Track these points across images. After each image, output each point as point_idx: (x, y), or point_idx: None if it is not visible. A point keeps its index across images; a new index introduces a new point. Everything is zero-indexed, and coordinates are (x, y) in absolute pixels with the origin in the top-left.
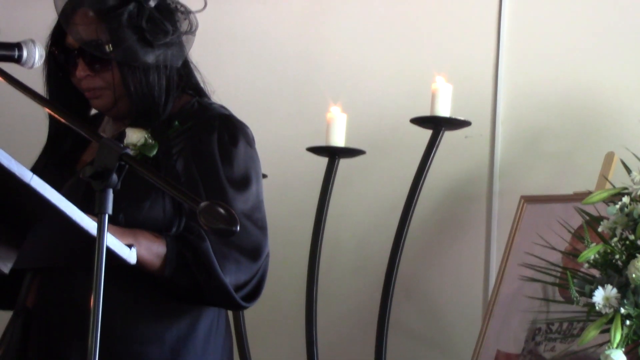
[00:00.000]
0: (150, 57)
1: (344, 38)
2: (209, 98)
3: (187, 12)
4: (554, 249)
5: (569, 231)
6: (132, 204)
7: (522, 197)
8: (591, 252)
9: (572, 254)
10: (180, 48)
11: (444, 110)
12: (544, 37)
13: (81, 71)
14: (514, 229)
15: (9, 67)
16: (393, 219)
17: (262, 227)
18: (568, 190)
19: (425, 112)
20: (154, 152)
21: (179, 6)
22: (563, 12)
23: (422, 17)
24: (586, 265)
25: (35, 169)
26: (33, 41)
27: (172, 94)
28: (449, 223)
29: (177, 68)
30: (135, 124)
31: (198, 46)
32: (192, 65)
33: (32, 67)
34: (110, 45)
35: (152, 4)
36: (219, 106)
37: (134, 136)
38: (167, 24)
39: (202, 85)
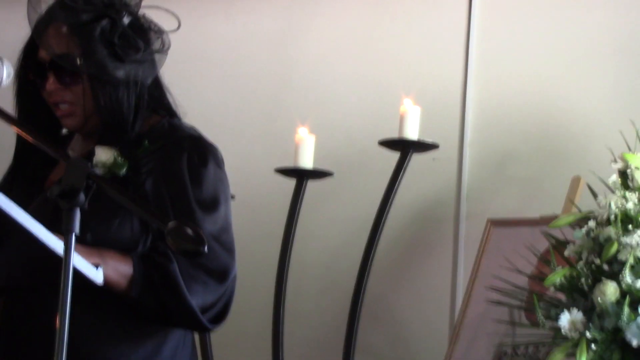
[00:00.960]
0: (120, 72)
1: (312, 59)
2: (179, 119)
3: (160, 32)
4: (520, 272)
5: (535, 255)
6: (100, 223)
7: (489, 220)
8: (557, 276)
9: (539, 277)
10: (152, 66)
11: (412, 132)
12: (511, 60)
13: (51, 84)
14: (480, 252)
15: None
16: (361, 241)
17: (229, 250)
18: (535, 213)
19: (394, 135)
20: (123, 171)
21: (152, 25)
22: (530, 37)
23: (390, 39)
24: (552, 289)
25: (1, 187)
26: (1, 59)
27: (141, 112)
28: (417, 245)
29: (148, 88)
30: (104, 142)
31: (168, 66)
32: (164, 87)
33: None
34: (81, 58)
35: (125, 21)
36: (189, 127)
37: (103, 154)
38: (140, 41)
39: (173, 106)
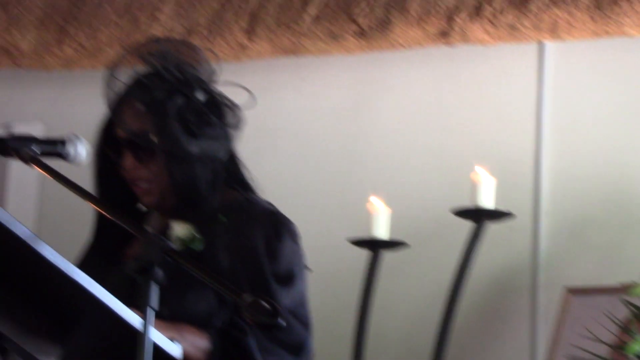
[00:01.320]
0: (195, 148)
1: (383, 130)
2: (255, 193)
3: (234, 107)
4: (601, 341)
5: (616, 323)
6: (176, 298)
7: (566, 288)
8: (639, 344)
9: (620, 346)
10: (226, 141)
11: (486, 201)
12: (584, 126)
13: (129, 162)
14: (559, 321)
15: (55, 163)
16: (437, 311)
17: (306, 324)
18: (613, 281)
19: (467, 204)
20: (200, 247)
21: (226, 100)
22: (605, 102)
23: (461, 109)
24: (634, 357)
25: (80, 264)
26: (78, 137)
27: (217, 187)
28: (493, 316)
29: (224, 163)
30: (181, 218)
31: (241, 139)
32: (239, 161)
33: (77, 162)
34: (156, 135)
35: (199, 97)
36: (264, 202)
37: (180, 230)
38: (213, 117)
39: (248, 180)
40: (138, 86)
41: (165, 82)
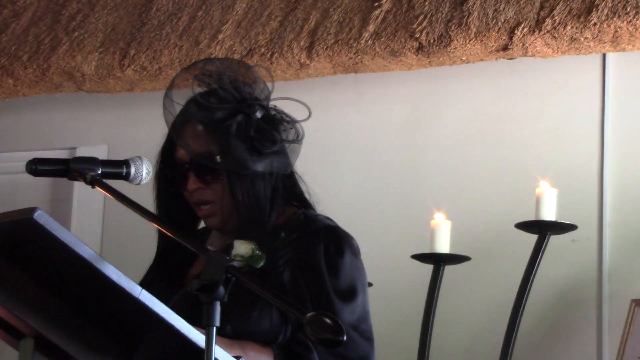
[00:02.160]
0: (260, 166)
1: (445, 144)
2: (314, 209)
3: (292, 122)
4: None
5: None
6: (239, 316)
7: (632, 300)
8: None
9: None
10: (287, 157)
11: (549, 214)
12: None
13: (192, 184)
14: (625, 334)
15: (119, 184)
16: (501, 326)
17: (368, 339)
18: None
19: (530, 217)
20: (261, 264)
21: (284, 116)
22: None
23: (522, 122)
24: None
25: (143, 283)
26: (140, 158)
27: (277, 203)
28: (559, 328)
29: (282, 179)
30: (242, 237)
31: (301, 156)
32: (297, 176)
33: (139, 183)
34: (221, 156)
35: (258, 115)
36: (324, 217)
37: (241, 248)
38: (275, 132)
39: (306, 196)
40: (198, 107)
41: (224, 101)
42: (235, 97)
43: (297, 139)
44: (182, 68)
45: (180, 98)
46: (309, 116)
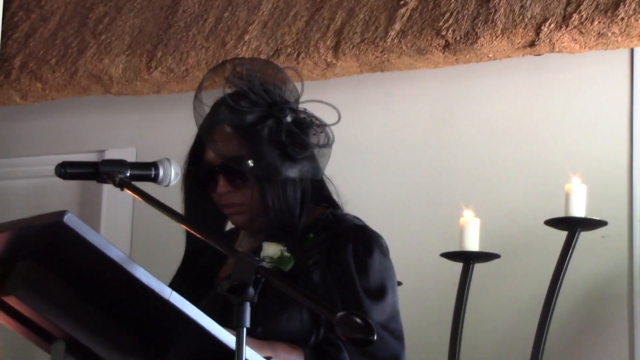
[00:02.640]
0: (292, 171)
1: (473, 142)
2: (342, 209)
3: (322, 125)
4: None
5: None
6: (270, 317)
7: None
8: None
9: None
10: (316, 161)
11: (578, 210)
12: None
13: (222, 187)
14: None
15: (147, 186)
16: (531, 323)
17: (399, 337)
18: None
19: (559, 213)
20: (290, 266)
21: (314, 119)
22: None
23: (550, 118)
24: None
25: (173, 285)
26: (169, 160)
27: (306, 206)
28: (590, 325)
29: (311, 181)
30: (271, 238)
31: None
32: (325, 178)
33: (168, 185)
34: (252, 161)
35: (289, 118)
36: (352, 217)
37: (270, 250)
38: (306, 137)
39: (334, 196)
40: (229, 110)
41: (255, 105)
42: (266, 100)
43: (328, 143)
44: (210, 68)
45: (210, 99)
46: (339, 120)
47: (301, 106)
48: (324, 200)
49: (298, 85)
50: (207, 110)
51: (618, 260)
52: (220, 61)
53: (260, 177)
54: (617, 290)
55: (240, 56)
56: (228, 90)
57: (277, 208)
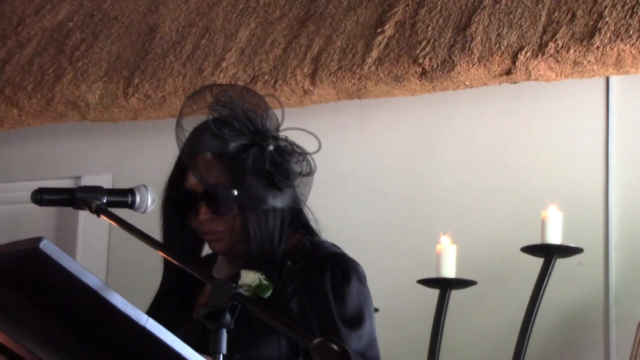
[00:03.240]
0: (277, 201)
1: (450, 169)
2: (319, 236)
3: (304, 153)
4: None
5: None
6: (248, 344)
7: (639, 322)
8: None
9: None
10: (301, 189)
11: (555, 237)
12: None
13: (204, 215)
14: (633, 356)
15: (124, 213)
16: (508, 350)
17: None
18: None
19: (536, 240)
20: (268, 294)
21: (295, 147)
22: None
23: (527, 146)
24: None
25: (150, 312)
26: (145, 186)
27: (285, 234)
28: (566, 352)
29: (290, 209)
30: (249, 264)
31: None
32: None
33: (144, 212)
34: (237, 190)
35: (271, 147)
36: (330, 244)
37: (248, 277)
38: (289, 166)
39: (312, 223)
40: (212, 137)
41: (239, 133)
42: (249, 128)
43: (310, 172)
44: (189, 95)
45: (191, 126)
46: (320, 148)
47: (282, 135)
48: (302, 227)
49: (278, 113)
50: (190, 138)
51: (594, 287)
52: (197, 88)
53: (243, 206)
54: (593, 317)
55: (219, 82)
56: (211, 117)
57: (259, 237)
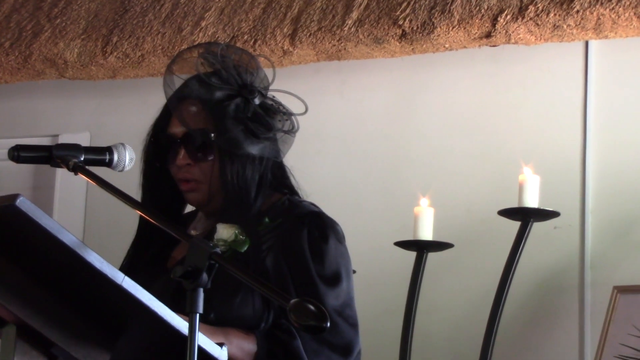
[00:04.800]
0: (254, 149)
1: (428, 131)
2: (299, 196)
3: (289, 114)
4: None
5: None
6: (222, 302)
7: (614, 287)
8: None
9: None
10: (280, 145)
11: (532, 201)
12: (630, 124)
13: (182, 159)
14: (607, 320)
15: (101, 171)
16: (484, 312)
17: (353, 324)
18: None
19: (513, 204)
20: (245, 248)
21: (281, 107)
22: None
23: (506, 109)
24: None
25: (126, 270)
26: (123, 145)
27: (263, 189)
28: (541, 316)
29: (271, 167)
30: (225, 219)
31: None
32: (286, 168)
33: (122, 170)
34: (216, 134)
35: (257, 101)
36: (309, 203)
37: (225, 232)
38: (270, 120)
39: (293, 183)
40: (199, 84)
41: (226, 83)
42: (237, 81)
43: (292, 130)
44: (187, 47)
45: (182, 74)
46: (306, 111)
47: (270, 94)
48: (282, 186)
49: (270, 74)
50: (178, 84)
51: (570, 251)
52: (176, 48)
53: (221, 151)
54: (569, 281)
55: (198, 42)
56: (201, 68)
57: (235, 184)
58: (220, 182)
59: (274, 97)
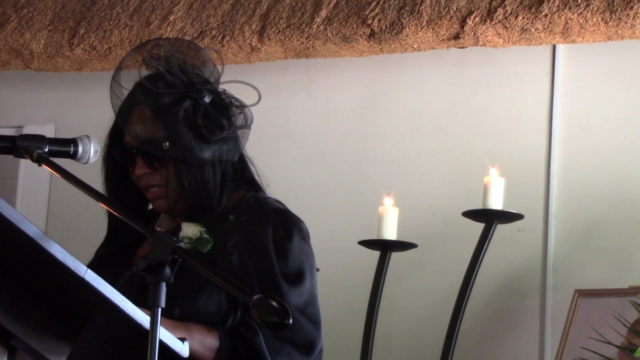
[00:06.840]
0: (207, 153)
1: (394, 131)
2: (264, 192)
3: (241, 106)
4: (609, 343)
5: (625, 325)
6: (187, 298)
7: (576, 291)
8: None
9: (629, 348)
10: (236, 142)
11: (496, 203)
12: (597, 129)
13: (139, 169)
14: (568, 324)
15: (67, 164)
16: (446, 313)
17: (315, 322)
18: (623, 284)
19: (477, 205)
20: (209, 248)
21: (233, 100)
22: (617, 105)
23: (472, 111)
24: None
25: (92, 263)
26: (88, 137)
27: (227, 187)
28: (502, 318)
29: (232, 163)
30: (190, 219)
31: (251, 141)
32: (247, 159)
33: (87, 162)
34: (168, 143)
35: (206, 100)
36: (274, 200)
37: (189, 230)
38: (223, 119)
39: (256, 178)
40: (144, 93)
41: (171, 86)
42: (183, 81)
43: (246, 125)
44: (131, 49)
45: (128, 81)
46: (259, 100)
47: (221, 87)
48: (246, 182)
49: (220, 67)
50: (125, 92)
51: (533, 254)
52: (144, 41)
53: (176, 160)
54: (531, 284)
55: (165, 37)
56: (145, 72)
57: (195, 190)
58: (179, 188)
59: (225, 90)
